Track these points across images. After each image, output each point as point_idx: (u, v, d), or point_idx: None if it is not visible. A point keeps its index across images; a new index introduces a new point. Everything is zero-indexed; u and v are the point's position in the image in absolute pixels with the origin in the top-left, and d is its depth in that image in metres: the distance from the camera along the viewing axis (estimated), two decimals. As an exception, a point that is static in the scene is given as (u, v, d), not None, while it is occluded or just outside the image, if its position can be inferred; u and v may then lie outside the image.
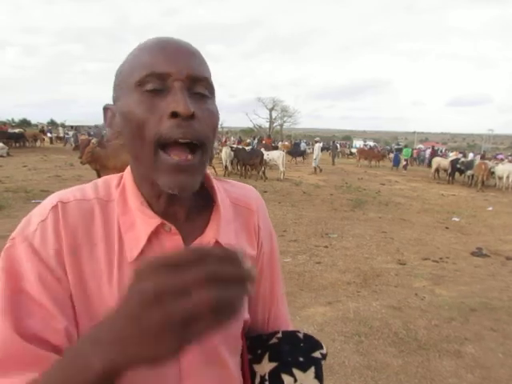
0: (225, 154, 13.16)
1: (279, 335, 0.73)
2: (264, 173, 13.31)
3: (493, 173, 15.12)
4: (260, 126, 49.89)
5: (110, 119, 0.62)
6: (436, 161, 18.03)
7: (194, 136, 0.55)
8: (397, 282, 4.46)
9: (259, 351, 0.72)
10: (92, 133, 25.05)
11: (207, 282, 0.35)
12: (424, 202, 10.65)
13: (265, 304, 0.76)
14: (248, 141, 25.20)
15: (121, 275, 0.58)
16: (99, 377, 0.38)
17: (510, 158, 25.01)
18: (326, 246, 5.69)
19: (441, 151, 37.08)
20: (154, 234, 0.60)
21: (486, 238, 6.95)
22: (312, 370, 0.70)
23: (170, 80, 0.55)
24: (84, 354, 0.40)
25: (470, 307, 3.83)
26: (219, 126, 0.67)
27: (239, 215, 0.70)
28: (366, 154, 23.55)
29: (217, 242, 0.62)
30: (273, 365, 0.70)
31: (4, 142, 17.62)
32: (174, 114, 0.53)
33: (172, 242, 0.60)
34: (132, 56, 0.59)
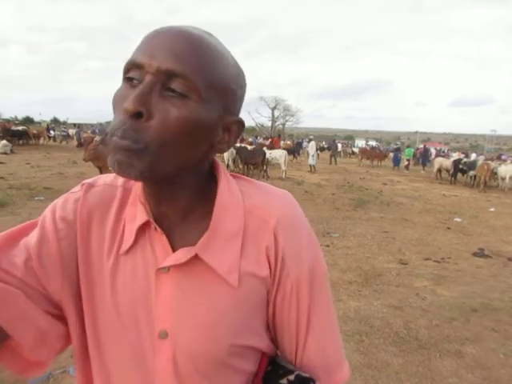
0: (227, 152, 13.09)
1: (291, 377, 0.62)
2: (266, 172, 13.31)
3: (495, 173, 15.07)
4: (262, 125, 49.80)
5: None
6: (438, 161, 17.95)
7: (135, 139, 0.48)
8: (398, 282, 4.46)
9: None
10: (97, 130, 25.07)
11: None
12: (426, 202, 10.62)
13: (291, 336, 0.64)
14: (250, 139, 25.19)
15: (114, 265, 0.61)
16: None
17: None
18: (328, 246, 5.68)
19: (443, 151, 36.99)
20: (146, 231, 0.60)
21: (488, 239, 6.93)
22: None
23: (143, 72, 0.50)
24: None
25: (471, 307, 3.83)
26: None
27: (250, 225, 0.60)
28: (368, 153, 23.50)
29: (196, 257, 0.57)
30: None
31: (8, 140, 17.66)
32: (126, 110, 0.48)
33: (160, 242, 0.59)
34: None
